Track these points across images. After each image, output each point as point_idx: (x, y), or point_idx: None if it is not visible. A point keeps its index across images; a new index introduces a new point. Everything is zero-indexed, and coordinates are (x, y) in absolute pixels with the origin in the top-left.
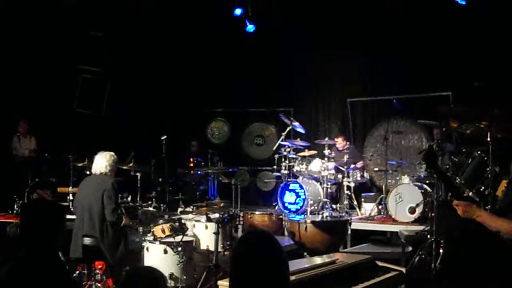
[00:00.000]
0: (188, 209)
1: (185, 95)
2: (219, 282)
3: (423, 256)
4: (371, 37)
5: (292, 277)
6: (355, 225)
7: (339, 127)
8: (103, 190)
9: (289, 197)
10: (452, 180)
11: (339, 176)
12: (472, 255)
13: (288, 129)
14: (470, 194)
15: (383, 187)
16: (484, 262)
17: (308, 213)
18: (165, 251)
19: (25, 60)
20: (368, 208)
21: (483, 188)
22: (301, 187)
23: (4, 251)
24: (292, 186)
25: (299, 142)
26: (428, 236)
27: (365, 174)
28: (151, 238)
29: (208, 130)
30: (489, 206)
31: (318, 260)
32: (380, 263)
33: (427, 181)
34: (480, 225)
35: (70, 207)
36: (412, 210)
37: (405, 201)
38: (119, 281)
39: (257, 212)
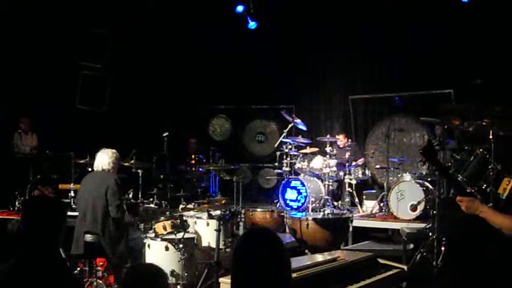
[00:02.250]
0: (189, 206)
1: (187, 92)
2: (221, 279)
3: (424, 253)
4: (372, 35)
5: (294, 275)
6: (357, 223)
7: (341, 124)
8: (106, 187)
9: (290, 194)
10: (453, 174)
11: (341, 173)
12: (473, 253)
13: (289, 126)
14: (472, 192)
15: (385, 184)
16: (485, 260)
17: (310, 210)
18: (167, 248)
19: (26, 56)
20: (370, 205)
21: (485, 186)
22: (303, 184)
23: (5, 248)
24: (293, 183)
25: (300, 139)
26: (430, 234)
27: (367, 172)
28: (153, 235)
29: (209, 127)
30: (490, 204)
31: (319, 257)
32: (381, 261)
33: (429, 179)
34: (482, 222)
35: (72, 203)
36: (413, 208)
37: (406, 199)
38: (120, 278)
39: (258, 209)
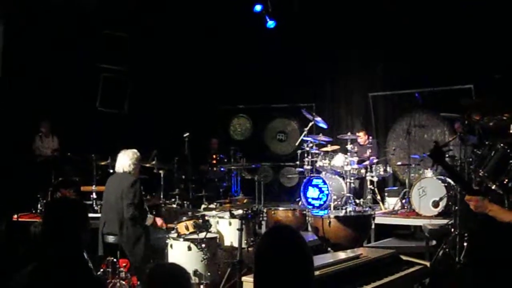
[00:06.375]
0: (211, 205)
1: (207, 92)
2: (243, 278)
3: (447, 250)
4: (392, 31)
5: (316, 272)
6: (379, 220)
7: (362, 121)
8: (123, 188)
9: (312, 193)
10: (461, 174)
11: (362, 170)
12: (495, 248)
13: (310, 124)
14: (494, 187)
15: (406, 181)
16: (507, 255)
17: (332, 208)
18: (189, 248)
19: (46, 59)
20: (392, 202)
21: (506, 180)
22: (324, 182)
23: (28, 251)
24: (315, 181)
25: (321, 137)
26: (452, 230)
27: (388, 169)
28: (175, 235)
29: (230, 127)
30: None
31: (342, 255)
32: (404, 257)
33: None
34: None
35: (94, 205)
36: (435, 204)
37: (428, 195)
38: (143, 278)
39: (280, 208)
